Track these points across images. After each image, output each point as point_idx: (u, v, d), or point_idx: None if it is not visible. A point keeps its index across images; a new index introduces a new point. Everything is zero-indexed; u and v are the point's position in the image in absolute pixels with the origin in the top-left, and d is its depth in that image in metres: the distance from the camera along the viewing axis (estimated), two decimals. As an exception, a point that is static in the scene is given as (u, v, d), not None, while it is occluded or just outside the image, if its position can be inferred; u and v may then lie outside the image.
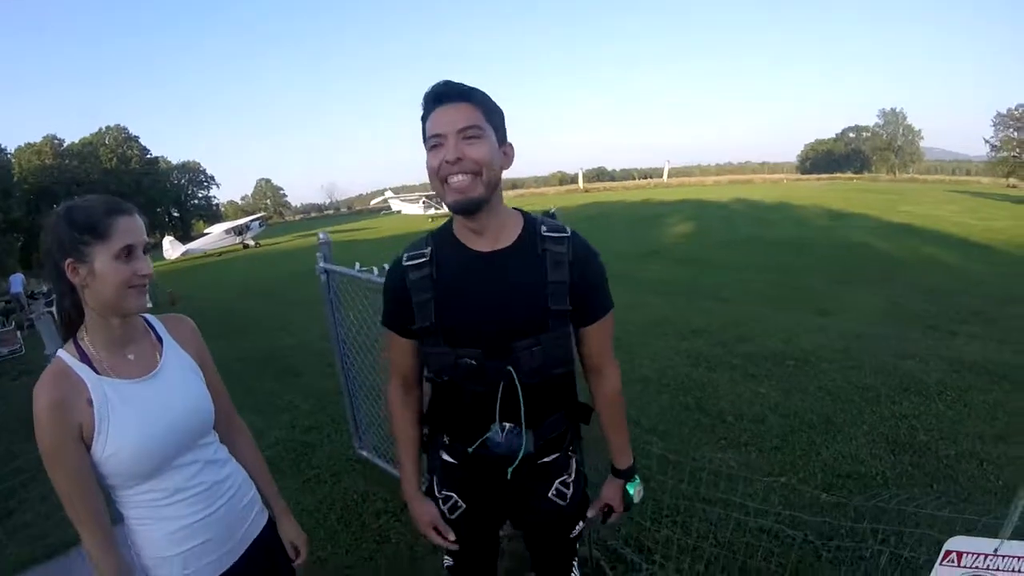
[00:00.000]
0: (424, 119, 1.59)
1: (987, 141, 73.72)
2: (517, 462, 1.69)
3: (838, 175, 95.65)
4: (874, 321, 8.76)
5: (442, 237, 1.72)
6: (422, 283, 1.66)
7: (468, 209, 1.57)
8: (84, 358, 1.52)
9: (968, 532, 1.73)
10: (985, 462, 4.09)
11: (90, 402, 1.47)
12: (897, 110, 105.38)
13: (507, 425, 1.68)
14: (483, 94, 1.59)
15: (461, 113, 1.53)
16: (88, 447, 1.48)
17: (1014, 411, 4.89)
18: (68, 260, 1.46)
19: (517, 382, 1.61)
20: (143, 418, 1.53)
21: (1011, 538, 1.60)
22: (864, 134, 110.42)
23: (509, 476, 1.72)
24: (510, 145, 1.66)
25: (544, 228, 1.68)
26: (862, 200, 35.78)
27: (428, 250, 1.68)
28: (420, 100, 1.60)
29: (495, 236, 1.66)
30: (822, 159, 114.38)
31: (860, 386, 5.55)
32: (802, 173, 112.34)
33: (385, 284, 1.79)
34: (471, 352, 1.62)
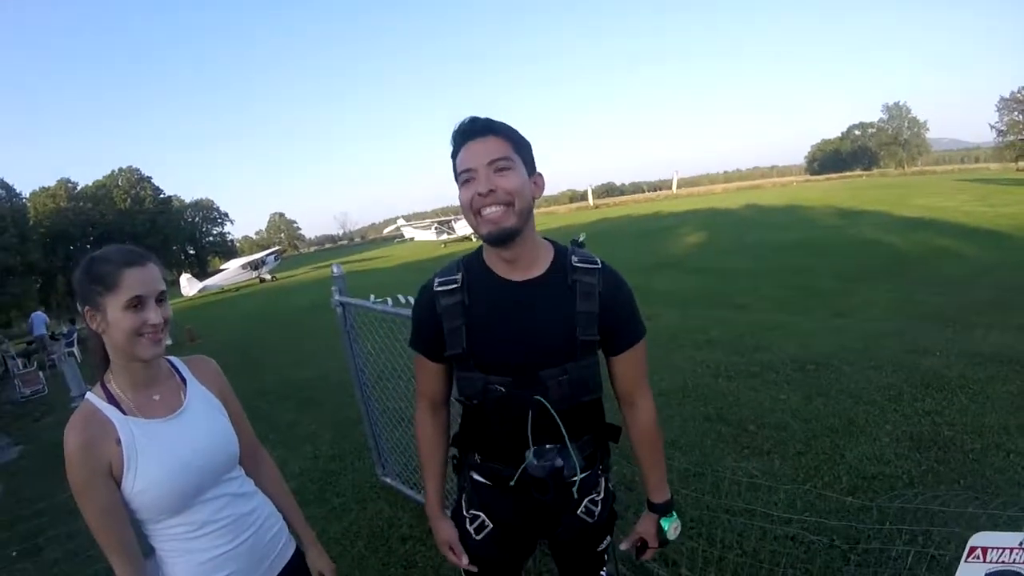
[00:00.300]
0: (454, 156, 1.64)
1: (993, 127, 73.37)
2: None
3: (847, 173, 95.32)
4: (891, 318, 8.71)
5: (473, 264, 1.75)
6: (453, 309, 1.69)
7: (502, 239, 1.61)
8: (111, 399, 1.58)
9: (993, 527, 1.73)
10: (1012, 453, 4.04)
11: (118, 442, 1.53)
12: (901, 104, 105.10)
13: (538, 448, 1.69)
14: (509, 127, 1.64)
15: (490, 146, 1.58)
16: (118, 484, 1.53)
17: (1038, 400, 4.83)
18: (86, 308, 1.55)
19: (552, 409, 1.63)
20: (169, 456, 1.58)
21: (1036, 530, 1.59)
22: (869, 130, 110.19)
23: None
24: (540, 175, 1.70)
25: (575, 259, 1.71)
26: (872, 196, 35.58)
27: (459, 276, 1.71)
28: (449, 136, 1.65)
29: (527, 266, 1.69)
30: (830, 159, 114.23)
31: (881, 385, 5.51)
32: (811, 174, 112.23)
33: (415, 308, 1.82)
34: (500, 380, 1.65)
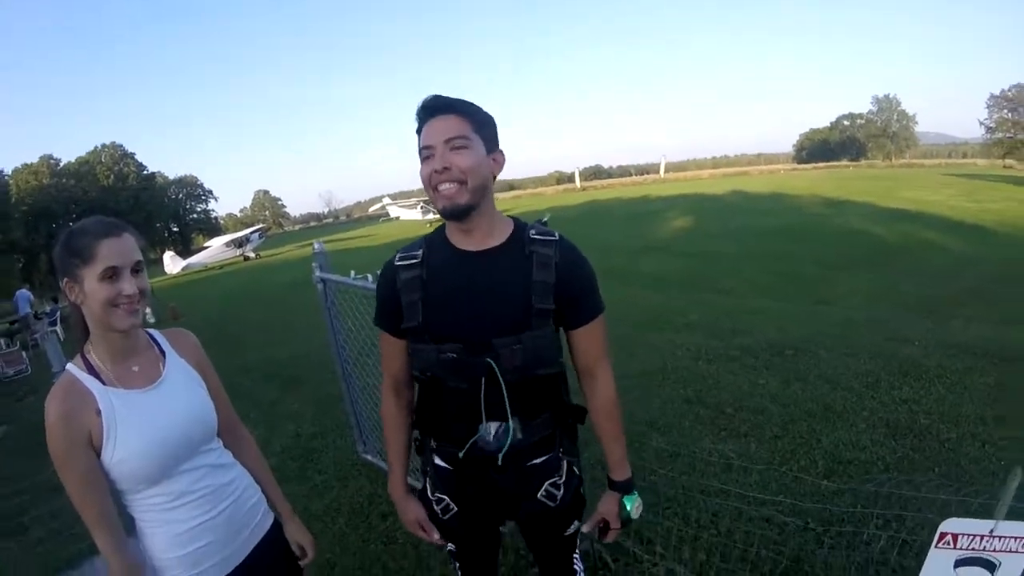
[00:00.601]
0: (418, 132, 1.67)
1: (982, 123, 73.78)
2: (506, 449, 1.69)
3: (834, 163, 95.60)
4: (872, 307, 8.79)
5: (435, 239, 1.77)
6: (412, 283, 1.71)
7: (456, 215, 1.63)
8: (91, 370, 1.59)
9: (965, 514, 1.73)
10: (986, 444, 4.09)
11: (98, 412, 1.54)
12: (891, 96, 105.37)
13: (495, 424, 1.69)
14: (470, 105, 1.66)
15: (448, 124, 1.61)
16: (98, 454, 1.55)
17: (1014, 391, 4.90)
18: (65, 279, 1.55)
19: (499, 375, 1.63)
20: (148, 426, 1.59)
21: (1007, 518, 1.60)
22: (858, 121, 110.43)
23: (500, 462, 1.71)
24: (500, 152, 1.73)
25: (533, 232, 1.72)
26: (858, 187, 35.75)
27: (420, 252, 1.74)
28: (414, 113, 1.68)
29: (484, 237, 1.70)
30: (818, 148, 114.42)
31: (859, 372, 5.55)
32: (798, 163, 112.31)
33: (378, 284, 1.84)
34: (453, 347, 1.65)
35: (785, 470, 3.76)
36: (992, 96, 72.63)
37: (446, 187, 1.61)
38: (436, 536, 1.90)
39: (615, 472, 1.89)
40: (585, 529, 1.93)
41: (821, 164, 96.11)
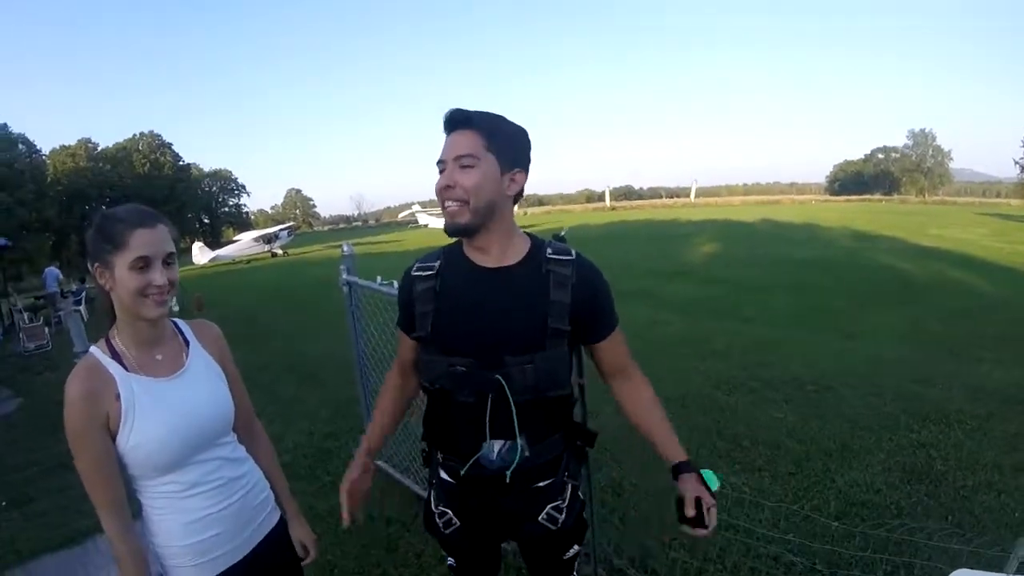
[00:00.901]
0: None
1: (1017, 162, 72.98)
2: (514, 466, 1.68)
3: (867, 196, 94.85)
4: (898, 345, 8.66)
5: (453, 252, 1.80)
6: (426, 294, 1.74)
7: (456, 233, 1.69)
8: (115, 355, 1.63)
9: (976, 565, 1.72)
10: (1003, 493, 4.02)
11: (118, 397, 1.57)
12: (927, 131, 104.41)
13: (499, 442, 1.69)
14: (491, 120, 1.67)
15: (461, 140, 1.63)
16: (113, 438, 1.58)
17: (1036, 440, 4.81)
18: (96, 264, 1.58)
19: (508, 392, 1.63)
20: (167, 414, 1.62)
21: (1016, 573, 1.58)
22: (893, 155, 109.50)
23: (508, 479, 1.69)
24: (521, 171, 1.71)
25: (550, 251, 1.73)
26: (890, 222, 35.43)
27: (437, 264, 1.77)
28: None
29: (500, 254, 1.72)
30: (851, 180, 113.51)
31: (880, 413, 5.49)
32: (831, 194, 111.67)
33: (399, 290, 1.91)
34: (463, 361, 1.67)
35: (797, 508, 3.72)
36: (1028, 135, 71.74)
37: (450, 205, 1.64)
38: (346, 514, 1.93)
39: (680, 454, 1.80)
40: (691, 513, 1.71)
41: (853, 197, 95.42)
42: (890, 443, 4.83)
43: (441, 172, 1.66)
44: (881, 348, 8.38)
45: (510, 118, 1.72)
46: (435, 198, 1.68)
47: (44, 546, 4.12)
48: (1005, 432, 5.00)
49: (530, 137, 1.76)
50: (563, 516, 1.81)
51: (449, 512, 1.85)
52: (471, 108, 1.67)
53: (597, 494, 2.03)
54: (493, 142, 1.64)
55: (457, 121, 1.65)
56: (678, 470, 1.78)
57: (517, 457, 1.68)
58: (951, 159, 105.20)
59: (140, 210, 1.62)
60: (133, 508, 1.64)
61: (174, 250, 1.63)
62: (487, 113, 1.68)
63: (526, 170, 1.73)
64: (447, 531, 1.88)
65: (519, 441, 1.67)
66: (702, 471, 1.77)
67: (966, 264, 17.98)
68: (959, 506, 3.89)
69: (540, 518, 1.80)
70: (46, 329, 13.49)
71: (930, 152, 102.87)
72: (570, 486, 1.84)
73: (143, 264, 1.55)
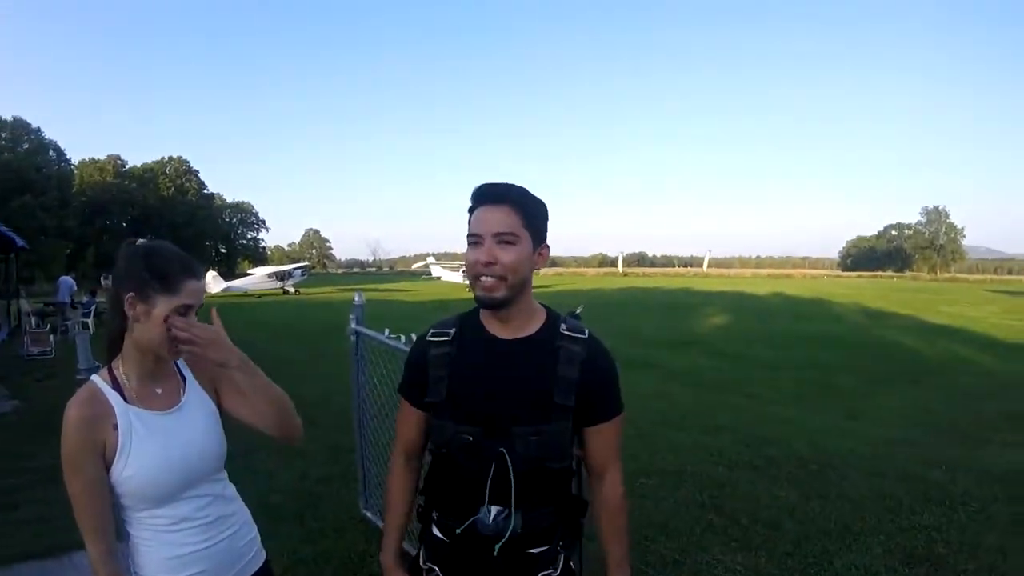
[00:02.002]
0: (470, 212, 1.74)
1: (1030, 240, 72.86)
2: (505, 539, 1.69)
3: (879, 273, 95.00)
4: (904, 426, 8.60)
5: (469, 319, 1.84)
6: (440, 359, 1.77)
7: (491, 306, 1.71)
8: (116, 385, 1.67)
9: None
10: (1005, 578, 3.96)
11: (116, 426, 1.61)
12: (940, 208, 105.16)
13: (496, 508, 1.71)
14: (524, 196, 1.72)
15: (499, 217, 1.67)
16: (108, 467, 1.60)
17: (1040, 524, 4.73)
18: (130, 294, 1.61)
19: (509, 463, 1.67)
20: (162, 448, 1.65)
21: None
22: (906, 232, 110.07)
23: (496, 552, 1.71)
24: (546, 246, 1.79)
25: (564, 327, 1.78)
26: (901, 299, 35.45)
27: (453, 331, 1.81)
28: (469, 193, 1.76)
29: (518, 326, 1.77)
30: (863, 256, 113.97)
31: (882, 494, 5.41)
32: (843, 270, 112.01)
33: (409, 355, 1.94)
34: (471, 429, 1.70)
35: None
36: (1042, 213, 71.91)
37: (487, 280, 1.66)
38: None
39: (614, 572, 1.87)
40: None
41: (865, 273, 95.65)
42: (891, 525, 4.76)
43: (473, 244, 1.70)
44: (888, 429, 8.31)
45: (533, 189, 1.78)
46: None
47: (24, 554, 4.12)
48: (1011, 514, 4.93)
49: (548, 209, 1.82)
50: None
51: (436, 569, 1.85)
52: (504, 181, 1.75)
53: (587, 563, 2.03)
54: (529, 220, 1.70)
55: (494, 196, 1.70)
56: None
57: (510, 529, 1.70)
58: (964, 236, 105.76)
59: (188, 258, 1.70)
60: (118, 534, 1.66)
61: (202, 303, 1.71)
62: (519, 188, 1.74)
63: (548, 244, 1.80)
64: None
65: (514, 515, 1.70)
66: None
67: (976, 342, 17.94)
68: (959, 591, 3.82)
69: None
70: (51, 336, 13.66)
71: (943, 229, 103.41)
72: (563, 557, 1.84)
73: (184, 311, 1.63)
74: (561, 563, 1.84)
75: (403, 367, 1.95)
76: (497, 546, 1.70)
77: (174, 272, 1.62)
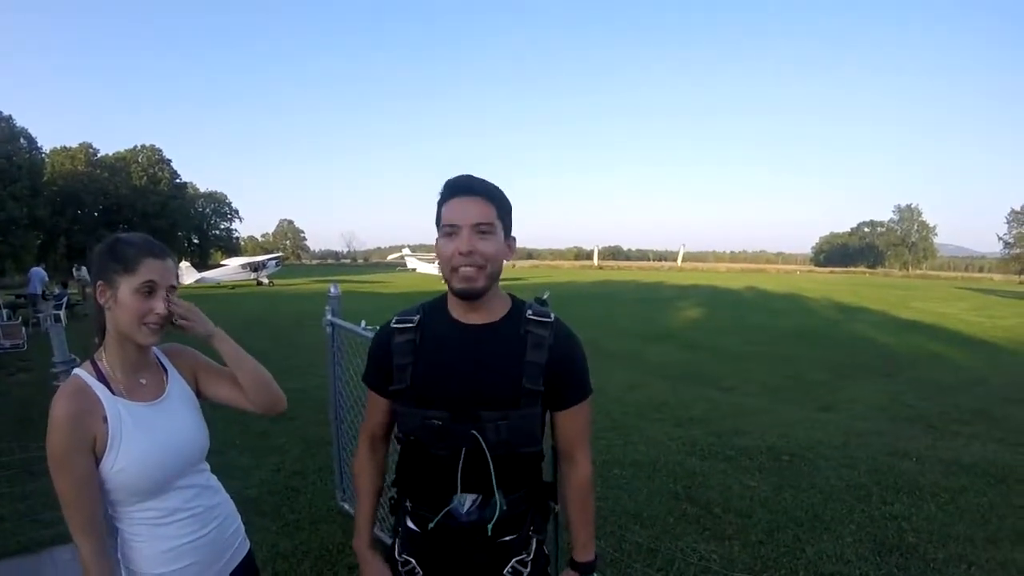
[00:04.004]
0: (440, 204, 1.73)
1: (1001, 238, 74.39)
2: (494, 521, 1.70)
3: (851, 269, 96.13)
4: (875, 417, 8.68)
5: (434, 307, 1.84)
6: (404, 347, 1.77)
7: (471, 297, 1.70)
8: (101, 377, 1.66)
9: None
10: (974, 566, 4.01)
11: (105, 419, 1.60)
12: (912, 206, 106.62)
13: (470, 497, 1.72)
14: (498, 191, 1.74)
15: (478, 208, 1.68)
16: (97, 461, 1.59)
17: (1008, 513, 4.82)
18: (99, 282, 1.63)
19: (484, 445, 1.66)
20: (152, 439, 1.65)
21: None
22: (879, 229, 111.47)
23: (490, 532, 1.71)
24: (513, 239, 1.81)
25: (530, 312, 1.78)
26: (872, 295, 35.88)
27: (416, 318, 1.80)
28: (440, 187, 1.74)
29: (484, 313, 1.77)
30: (836, 252, 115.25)
31: (853, 484, 5.46)
32: (816, 265, 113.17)
33: (372, 343, 1.91)
34: (438, 414, 1.69)
35: (763, 578, 3.70)
36: (1013, 211, 73.38)
37: (467, 270, 1.66)
38: None
39: (579, 552, 1.90)
40: None
41: (838, 268, 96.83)
42: (862, 515, 4.81)
43: (448, 235, 1.69)
44: (858, 420, 8.38)
45: (509, 183, 1.86)
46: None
47: (0, 551, 4.05)
48: (979, 505, 5.00)
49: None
50: (528, 570, 1.82)
51: (412, 561, 1.84)
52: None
53: (564, 554, 2.02)
54: (500, 212, 1.72)
55: (472, 189, 1.70)
56: (571, 564, 1.92)
57: (497, 512, 1.70)
58: (936, 234, 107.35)
59: (152, 241, 1.69)
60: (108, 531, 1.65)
61: (177, 284, 1.70)
62: (490, 182, 1.75)
63: (515, 238, 1.82)
64: None
65: (497, 496, 1.70)
66: None
67: (946, 338, 18.22)
68: (929, 579, 3.86)
69: (505, 571, 1.80)
70: (23, 329, 13.43)
71: (915, 227, 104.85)
72: (535, 541, 1.86)
73: (148, 289, 1.61)
74: (534, 548, 1.85)
75: (367, 358, 1.93)
76: (490, 526, 1.71)
77: (133, 253, 1.61)
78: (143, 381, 1.73)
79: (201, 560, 1.74)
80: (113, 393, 1.64)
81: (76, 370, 1.68)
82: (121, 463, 1.59)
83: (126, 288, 1.60)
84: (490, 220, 1.68)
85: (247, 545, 1.97)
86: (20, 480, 4.86)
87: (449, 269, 1.69)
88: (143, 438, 1.63)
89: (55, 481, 1.55)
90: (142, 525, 1.67)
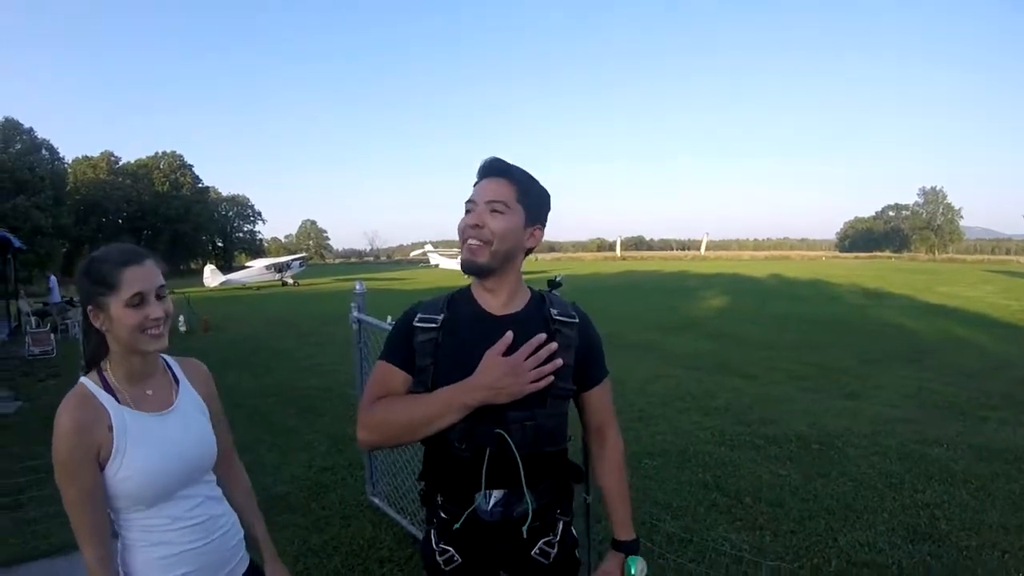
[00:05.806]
0: (474, 186, 1.78)
1: (1027, 220, 72.93)
2: (529, 522, 1.71)
3: (876, 253, 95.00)
4: (903, 405, 8.60)
5: (460, 296, 1.86)
6: (426, 347, 1.75)
7: (471, 270, 1.75)
8: (106, 387, 1.65)
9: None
10: (1007, 553, 4.00)
11: (110, 428, 1.60)
12: (937, 189, 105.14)
13: (496, 493, 1.72)
14: (525, 175, 1.78)
15: (496, 187, 1.73)
16: (102, 468, 1.59)
17: (1042, 500, 4.77)
18: (89, 307, 1.62)
19: (512, 445, 1.66)
20: (157, 449, 1.65)
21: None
22: (904, 212, 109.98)
23: (525, 535, 1.73)
24: (540, 228, 1.82)
25: (555, 312, 1.79)
26: (898, 280, 35.47)
27: (441, 317, 1.78)
28: (474, 165, 1.80)
29: (507, 300, 1.79)
30: (861, 237, 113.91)
31: (884, 472, 5.45)
32: (841, 251, 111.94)
33: (392, 329, 1.88)
34: None
35: (797, 567, 3.71)
36: (1040, 194, 71.92)
37: (472, 242, 1.71)
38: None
39: (620, 531, 1.90)
40: None
41: (863, 254, 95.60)
42: (893, 503, 4.80)
43: (468, 212, 1.74)
44: (886, 408, 8.31)
45: (538, 176, 1.83)
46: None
47: (30, 553, 4.16)
48: (1011, 492, 4.98)
49: (551, 201, 1.87)
50: (555, 551, 1.84)
51: (451, 550, 1.83)
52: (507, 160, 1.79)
53: (596, 547, 2.04)
54: (524, 196, 1.75)
55: (495, 169, 1.76)
56: (615, 545, 1.91)
57: (529, 514, 1.71)
58: (961, 217, 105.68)
59: (126, 249, 1.66)
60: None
61: (164, 283, 1.68)
62: (522, 169, 1.79)
63: (543, 228, 1.84)
64: (448, 568, 1.84)
65: (528, 497, 1.71)
66: (629, 557, 1.87)
67: (973, 322, 17.95)
68: (962, 567, 3.86)
69: (533, 553, 1.81)
70: (52, 336, 13.74)
71: (940, 210, 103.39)
72: (561, 523, 1.87)
73: (139, 300, 1.59)
74: (561, 529, 1.86)
75: (386, 342, 1.85)
76: (524, 528, 1.72)
77: (109, 270, 1.59)
78: (149, 392, 1.72)
79: (202, 568, 1.74)
80: (119, 402, 1.64)
81: (82, 379, 1.67)
82: (126, 471, 1.59)
83: (116, 305, 1.58)
84: (505, 199, 1.71)
85: (247, 562, 1.95)
86: (49, 483, 4.97)
87: (462, 243, 1.75)
88: (148, 448, 1.63)
89: (61, 489, 1.56)
90: (143, 532, 1.67)
